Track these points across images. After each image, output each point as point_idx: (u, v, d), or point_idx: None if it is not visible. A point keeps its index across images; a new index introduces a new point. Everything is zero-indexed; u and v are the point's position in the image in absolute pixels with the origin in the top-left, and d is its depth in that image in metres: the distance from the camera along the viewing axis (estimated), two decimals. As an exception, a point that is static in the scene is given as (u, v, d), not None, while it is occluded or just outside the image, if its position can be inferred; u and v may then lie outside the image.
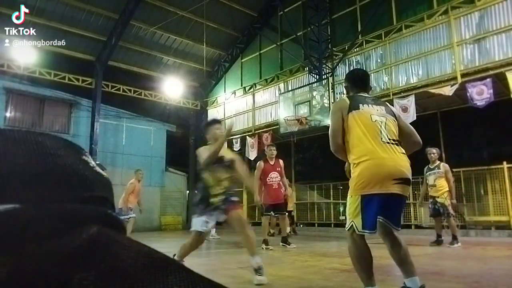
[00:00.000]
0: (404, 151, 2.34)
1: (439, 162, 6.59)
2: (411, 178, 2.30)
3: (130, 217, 7.63)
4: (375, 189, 2.21)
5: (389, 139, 2.30)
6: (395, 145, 2.30)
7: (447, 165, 6.54)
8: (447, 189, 6.38)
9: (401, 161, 2.27)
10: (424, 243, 6.96)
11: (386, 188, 2.20)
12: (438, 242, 6.41)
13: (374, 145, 2.26)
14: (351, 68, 10.99)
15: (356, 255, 2.32)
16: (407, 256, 2.35)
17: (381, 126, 2.31)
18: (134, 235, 6.82)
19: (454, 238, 6.19)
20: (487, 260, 4.53)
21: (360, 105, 2.39)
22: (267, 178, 6.46)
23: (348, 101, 2.43)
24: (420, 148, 2.56)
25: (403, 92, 9.64)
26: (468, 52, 8.77)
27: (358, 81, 2.64)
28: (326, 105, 10.90)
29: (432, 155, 6.55)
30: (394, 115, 2.46)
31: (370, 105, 2.41)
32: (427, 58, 9.44)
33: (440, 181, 6.42)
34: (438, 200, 6.39)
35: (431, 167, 6.56)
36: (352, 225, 2.29)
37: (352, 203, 2.31)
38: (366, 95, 2.55)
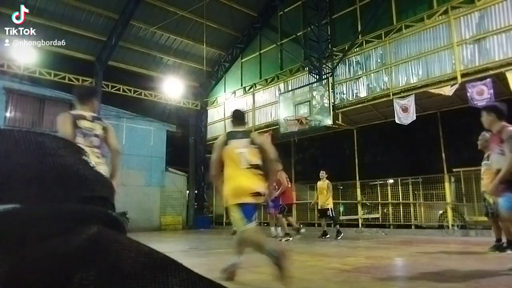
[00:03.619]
0: (261, 172, 3.22)
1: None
2: (261, 191, 3.19)
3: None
4: (240, 200, 3.12)
5: (249, 164, 3.19)
6: (253, 168, 3.20)
7: None
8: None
9: (254, 181, 3.18)
10: (424, 243, 6.95)
11: (245, 199, 3.13)
12: (498, 247, 5.10)
13: (236, 170, 3.20)
14: (351, 68, 11.07)
15: (253, 239, 3.12)
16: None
17: (242, 156, 3.21)
18: (133, 235, 6.82)
19: (510, 243, 4.99)
20: (487, 260, 4.52)
21: (230, 140, 3.31)
22: None
23: (225, 138, 3.37)
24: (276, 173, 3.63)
25: (403, 92, 9.64)
26: (468, 52, 8.77)
27: (236, 119, 3.63)
28: (326, 105, 10.90)
29: (478, 142, 5.30)
30: (256, 144, 3.29)
31: (237, 139, 3.30)
32: (427, 58, 9.43)
33: (488, 173, 4.78)
34: (486, 196, 5.24)
35: (485, 157, 5.25)
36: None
37: (233, 212, 3.16)
38: (240, 129, 3.50)
